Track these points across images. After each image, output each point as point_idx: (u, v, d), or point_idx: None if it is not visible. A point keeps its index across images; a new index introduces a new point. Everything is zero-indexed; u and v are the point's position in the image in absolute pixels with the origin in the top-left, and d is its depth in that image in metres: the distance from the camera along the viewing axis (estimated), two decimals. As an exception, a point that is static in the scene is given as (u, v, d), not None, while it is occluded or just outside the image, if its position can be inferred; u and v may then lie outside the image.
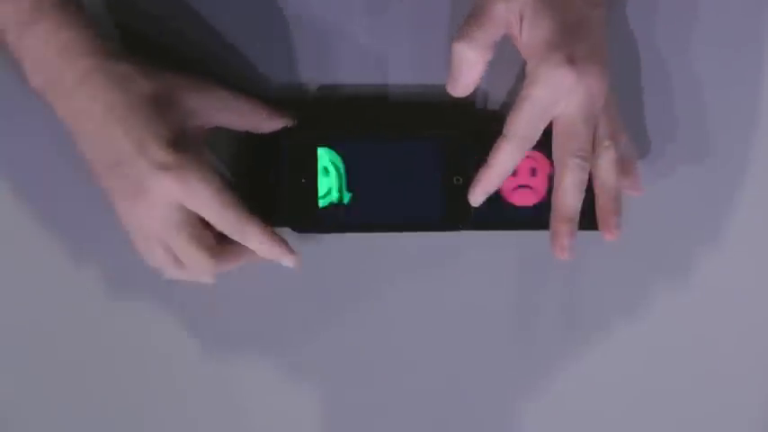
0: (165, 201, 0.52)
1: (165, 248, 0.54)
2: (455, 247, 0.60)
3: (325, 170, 0.58)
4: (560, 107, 0.53)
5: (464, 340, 0.61)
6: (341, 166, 0.58)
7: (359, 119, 0.60)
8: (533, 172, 0.59)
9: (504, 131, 0.54)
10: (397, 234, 0.58)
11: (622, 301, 0.61)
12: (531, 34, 0.53)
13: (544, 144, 0.58)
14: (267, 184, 0.58)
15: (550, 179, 0.58)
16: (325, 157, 0.58)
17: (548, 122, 0.54)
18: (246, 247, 0.55)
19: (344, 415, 0.61)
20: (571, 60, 0.52)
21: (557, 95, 0.53)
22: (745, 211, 0.61)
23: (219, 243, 0.55)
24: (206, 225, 0.54)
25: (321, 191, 0.57)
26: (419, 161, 0.58)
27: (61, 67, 0.51)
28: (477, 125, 0.60)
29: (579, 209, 0.55)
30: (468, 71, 0.55)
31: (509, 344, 0.61)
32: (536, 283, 0.61)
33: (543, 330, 0.61)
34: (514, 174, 0.59)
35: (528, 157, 0.58)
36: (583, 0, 0.54)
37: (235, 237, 0.54)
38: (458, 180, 0.58)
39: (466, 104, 0.60)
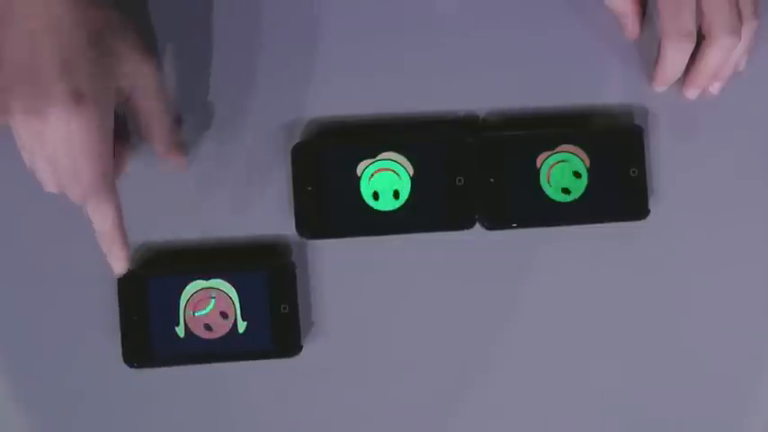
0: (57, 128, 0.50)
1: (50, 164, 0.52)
2: (460, 246, 0.60)
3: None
4: None
5: (469, 340, 0.60)
6: None
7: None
8: (572, 166, 0.59)
9: (661, 35, 0.56)
10: (401, 236, 0.59)
11: (629, 301, 0.60)
12: None
13: (580, 138, 0.58)
14: (307, 196, 0.59)
15: (589, 173, 0.59)
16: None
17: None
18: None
19: (347, 415, 0.60)
20: None
21: None
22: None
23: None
24: None
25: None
26: (423, 163, 0.58)
27: None
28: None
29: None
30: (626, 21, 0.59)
31: (513, 343, 0.60)
32: (541, 282, 0.60)
33: (551, 329, 0.60)
34: (553, 170, 0.58)
35: (566, 152, 0.59)
36: None
37: (89, 200, 0.52)
38: (459, 180, 0.59)
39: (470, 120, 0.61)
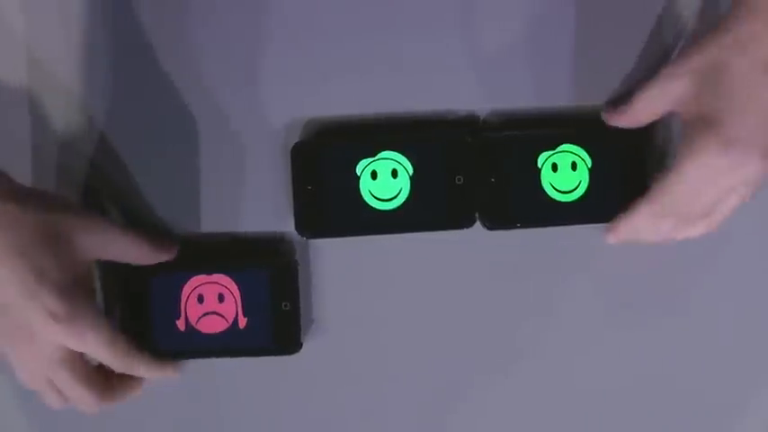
0: (51, 345, 0.52)
1: (49, 383, 0.54)
2: (460, 245, 0.60)
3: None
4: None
5: (468, 338, 0.60)
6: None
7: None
8: (574, 166, 0.58)
9: (653, 198, 0.55)
10: (401, 235, 0.59)
11: (627, 301, 0.60)
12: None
13: (582, 138, 0.58)
14: (304, 193, 0.59)
15: (591, 173, 0.58)
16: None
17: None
18: (130, 385, 0.57)
19: (347, 413, 0.61)
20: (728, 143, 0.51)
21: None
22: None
23: (104, 379, 0.56)
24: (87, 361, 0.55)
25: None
26: (423, 162, 0.58)
27: None
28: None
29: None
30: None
31: (513, 342, 0.60)
32: (542, 281, 0.60)
33: (551, 328, 0.60)
34: (555, 170, 0.58)
35: (568, 152, 0.58)
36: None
37: (126, 372, 0.55)
38: (459, 180, 0.58)
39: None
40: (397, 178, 0.58)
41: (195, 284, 0.58)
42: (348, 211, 0.59)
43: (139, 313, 0.58)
